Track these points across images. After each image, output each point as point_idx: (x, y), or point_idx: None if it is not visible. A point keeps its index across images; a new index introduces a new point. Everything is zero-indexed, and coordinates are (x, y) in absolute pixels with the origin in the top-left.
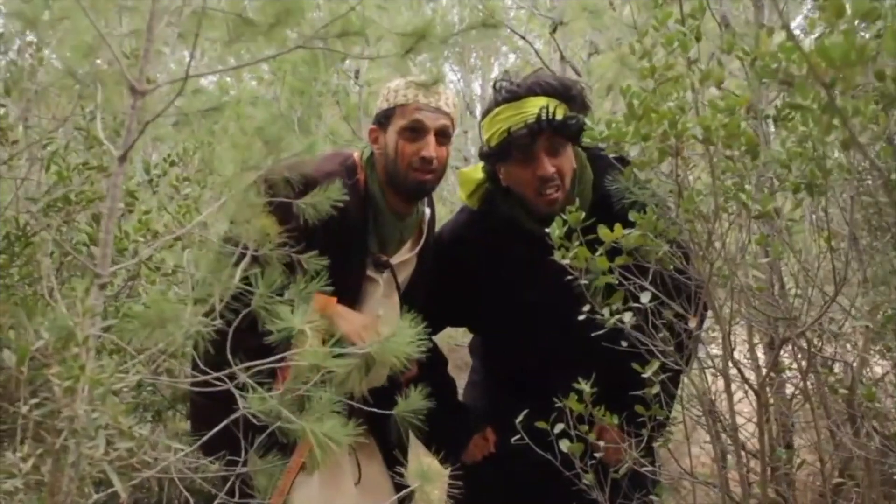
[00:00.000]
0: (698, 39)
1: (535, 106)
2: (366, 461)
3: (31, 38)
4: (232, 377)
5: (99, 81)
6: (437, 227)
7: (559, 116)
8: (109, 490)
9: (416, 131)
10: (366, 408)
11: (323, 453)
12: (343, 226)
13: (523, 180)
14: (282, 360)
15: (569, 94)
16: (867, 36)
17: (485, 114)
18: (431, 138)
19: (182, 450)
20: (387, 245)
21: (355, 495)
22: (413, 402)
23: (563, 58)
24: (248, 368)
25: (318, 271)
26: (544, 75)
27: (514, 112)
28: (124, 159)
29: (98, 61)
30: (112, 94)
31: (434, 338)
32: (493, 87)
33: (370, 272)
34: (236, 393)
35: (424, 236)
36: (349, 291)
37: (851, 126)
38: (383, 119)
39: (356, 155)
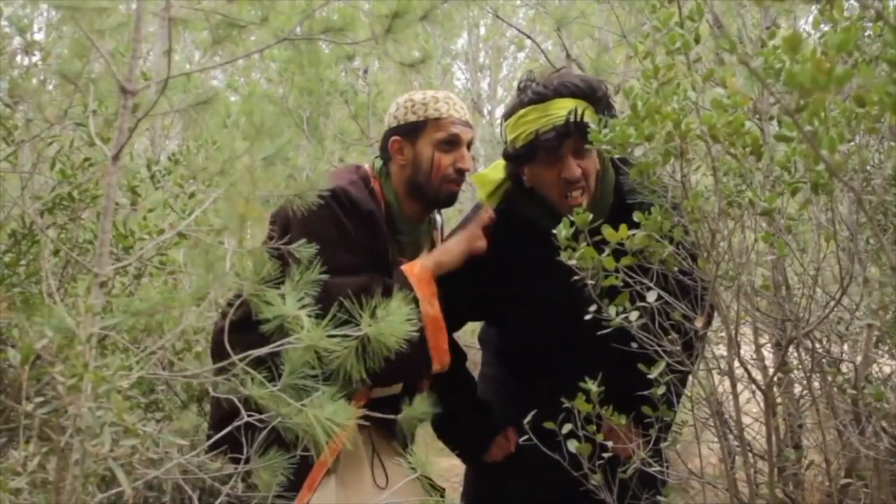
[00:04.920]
0: (697, 42)
1: (561, 108)
2: (391, 466)
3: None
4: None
5: (91, 81)
6: (447, 226)
7: (587, 119)
8: (117, 489)
9: (452, 144)
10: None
11: (328, 439)
12: (372, 228)
13: (548, 182)
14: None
15: (595, 96)
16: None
17: (509, 114)
18: (466, 150)
19: (188, 447)
20: (405, 252)
21: (376, 496)
22: (418, 408)
23: (568, 56)
24: (249, 360)
25: (310, 261)
26: (570, 76)
27: (541, 114)
28: (117, 159)
29: (97, 55)
30: (106, 92)
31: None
32: (518, 87)
33: None
34: (237, 385)
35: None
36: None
37: (831, 158)
38: (411, 131)
39: (366, 166)
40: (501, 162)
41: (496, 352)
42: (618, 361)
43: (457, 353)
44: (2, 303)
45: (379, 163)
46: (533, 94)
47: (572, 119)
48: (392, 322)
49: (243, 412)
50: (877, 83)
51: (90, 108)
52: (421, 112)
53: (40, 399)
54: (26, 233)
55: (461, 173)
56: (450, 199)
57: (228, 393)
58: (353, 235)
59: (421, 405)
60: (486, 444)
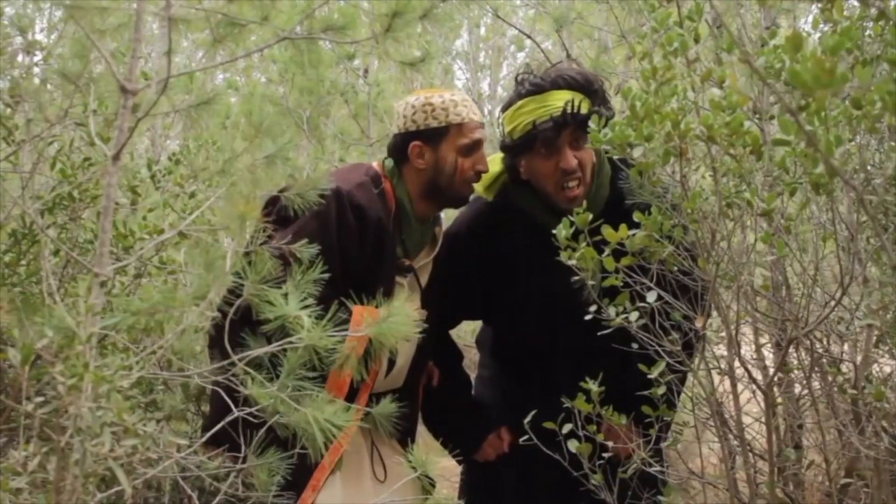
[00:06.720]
0: (697, 41)
1: (559, 99)
2: (391, 462)
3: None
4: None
5: (91, 81)
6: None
7: (584, 110)
8: (117, 489)
9: (473, 148)
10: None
11: (326, 440)
12: (377, 234)
13: (545, 173)
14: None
15: (591, 88)
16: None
17: (506, 107)
18: (483, 152)
19: (187, 446)
20: (409, 250)
21: (376, 494)
22: (384, 408)
23: (569, 56)
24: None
25: (312, 261)
26: (567, 69)
27: (539, 105)
28: (117, 158)
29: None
30: (106, 92)
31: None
32: (516, 80)
33: (396, 277)
34: (237, 385)
35: (440, 240)
36: (378, 296)
37: (830, 160)
38: (434, 136)
39: (376, 165)
40: (499, 156)
41: (491, 352)
42: (614, 359)
43: (454, 352)
44: (2, 303)
45: (390, 163)
46: (530, 86)
47: (570, 110)
48: (394, 323)
49: (261, 406)
50: (877, 83)
51: (90, 108)
52: (442, 117)
53: (40, 399)
54: (26, 232)
55: (480, 175)
56: (468, 198)
57: (227, 390)
58: (335, 246)
59: (386, 405)
60: (478, 442)
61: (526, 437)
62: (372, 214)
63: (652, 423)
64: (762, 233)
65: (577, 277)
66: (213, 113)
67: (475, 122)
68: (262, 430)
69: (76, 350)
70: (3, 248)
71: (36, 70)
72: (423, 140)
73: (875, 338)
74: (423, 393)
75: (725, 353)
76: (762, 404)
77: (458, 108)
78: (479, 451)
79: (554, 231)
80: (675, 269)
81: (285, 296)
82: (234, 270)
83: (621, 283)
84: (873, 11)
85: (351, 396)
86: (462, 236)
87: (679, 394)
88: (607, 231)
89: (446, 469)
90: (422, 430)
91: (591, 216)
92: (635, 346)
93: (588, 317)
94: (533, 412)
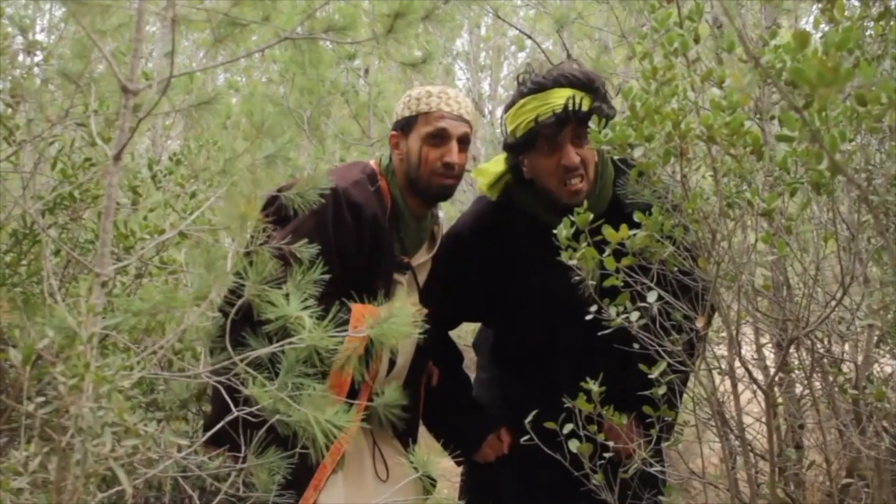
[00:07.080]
0: (697, 41)
1: (561, 97)
2: (392, 461)
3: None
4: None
5: (92, 81)
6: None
7: (585, 107)
8: (118, 488)
9: (439, 138)
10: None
11: (328, 441)
12: (373, 232)
13: (548, 170)
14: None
15: (593, 86)
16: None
17: (508, 106)
18: (454, 145)
19: (187, 446)
20: (407, 248)
21: (378, 494)
22: (389, 396)
23: (569, 56)
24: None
25: (312, 261)
26: (568, 67)
27: (541, 103)
28: (119, 158)
29: (98, 55)
30: (107, 92)
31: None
32: (518, 79)
33: (395, 275)
34: (238, 386)
35: (439, 239)
36: (379, 294)
37: (834, 156)
38: (405, 125)
39: (373, 163)
40: (502, 156)
41: (490, 354)
42: (615, 359)
43: (454, 353)
44: (3, 303)
45: (386, 160)
46: (532, 84)
47: (571, 106)
48: (395, 324)
49: (262, 406)
50: (880, 81)
51: (91, 108)
52: (414, 107)
53: (41, 399)
54: (27, 233)
55: (449, 167)
56: (441, 193)
57: (228, 390)
58: (332, 244)
59: (392, 393)
60: (478, 443)
61: (526, 436)
62: (368, 212)
63: (653, 423)
64: (763, 233)
65: (577, 277)
66: (213, 113)
67: (444, 112)
68: (263, 430)
69: (77, 350)
70: (4, 248)
71: (37, 70)
72: (398, 130)
73: (876, 338)
74: (424, 393)
75: (726, 353)
76: (763, 404)
77: (430, 99)
78: (478, 451)
79: (555, 231)
80: (676, 269)
81: (286, 296)
82: (235, 270)
83: (622, 284)
84: (874, 11)
85: (352, 396)
86: (464, 236)
87: (681, 394)
88: (608, 231)
89: (447, 469)
90: (423, 431)
91: (591, 216)
92: (636, 346)
93: (589, 317)
94: (534, 412)
